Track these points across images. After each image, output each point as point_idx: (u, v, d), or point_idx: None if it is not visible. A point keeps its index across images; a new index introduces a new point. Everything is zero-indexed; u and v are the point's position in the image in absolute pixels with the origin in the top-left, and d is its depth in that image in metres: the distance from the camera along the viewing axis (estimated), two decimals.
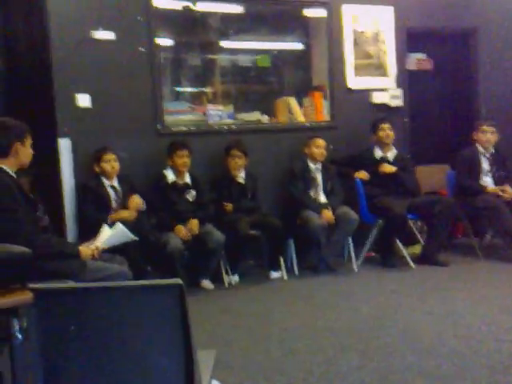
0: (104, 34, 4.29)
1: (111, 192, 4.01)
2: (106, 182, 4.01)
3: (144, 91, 4.45)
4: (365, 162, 4.89)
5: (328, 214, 4.46)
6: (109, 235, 3.25)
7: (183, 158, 4.20)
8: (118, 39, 4.35)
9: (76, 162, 4.22)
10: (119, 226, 3.31)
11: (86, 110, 4.26)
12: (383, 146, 4.87)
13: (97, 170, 4.02)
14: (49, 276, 2.71)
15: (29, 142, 2.83)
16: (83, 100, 4.25)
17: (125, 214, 3.88)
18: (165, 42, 5.01)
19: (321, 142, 4.69)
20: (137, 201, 3.99)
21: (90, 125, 4.28)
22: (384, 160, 4.86)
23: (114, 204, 3.98)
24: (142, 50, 4.44)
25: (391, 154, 4.90)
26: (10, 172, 2.75)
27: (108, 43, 4.31)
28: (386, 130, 4.82)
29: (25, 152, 2.81)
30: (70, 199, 4.18)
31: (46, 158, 4.34)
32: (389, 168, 4.78)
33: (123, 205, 3.98)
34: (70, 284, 2.51)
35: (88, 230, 3.63)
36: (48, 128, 4.25)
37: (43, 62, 4.22)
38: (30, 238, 2.67)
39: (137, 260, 3.54)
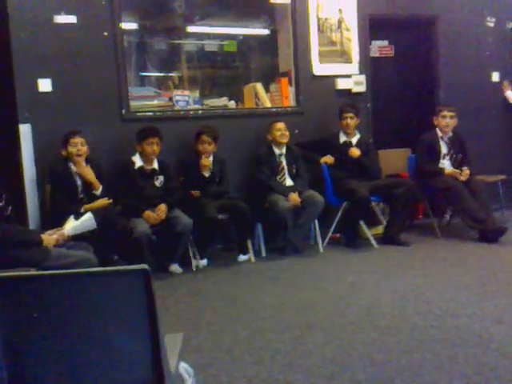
0: (66, 18, 4.22)
1: (78, 179, 3.95)
2: (73, 168, 3.94)
3: (108, 76, 4.41)
4: (330, 146, 4.99)
5: (295, 198, 4.53)
6: (76, 224, 3.27)
7: (153, 146, 4.18)
8: (81, 23, 4.29)
9: (37, 149, 4.16)
10: (89, 215, 3.33)
11: (47, 95, 4.20)
12: (346, 132, 4.98)
13: (64, 153, 3.94)
14: (11, 264, 2.70)
15: None
16: (44, 85, 4.18)
17: (100, 202, 3.86)
18: (129, 26, 4.95)
19: (280, 124, 4.75)
20: (82, 169, 3.93)
21: (51, 110, 4.22)
22: (347, 144, 4.97)
23: (80, 192, 3.93)
24: (106, 34, 4.39)
25: (355, 138, 5.01)
26: None
27: (70, 27, 4.25)
28: (347, 119, 4.92)
29: None
30: (31, 186, 4.12)
31: (7, 144, 4.27)
32: (354, 151, 4.88)
33: (89, 191, 3.94)
34: (32, 272, 2.50)
35: (56, 219, 3.60)
36: (8, 114, 4.16)
37: (3, 47, 4.12)
38: None
39: (103, 247, 3.53)
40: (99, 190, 3.93)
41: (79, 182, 3.95)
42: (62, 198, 3.84)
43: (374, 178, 4.90)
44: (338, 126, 5.02)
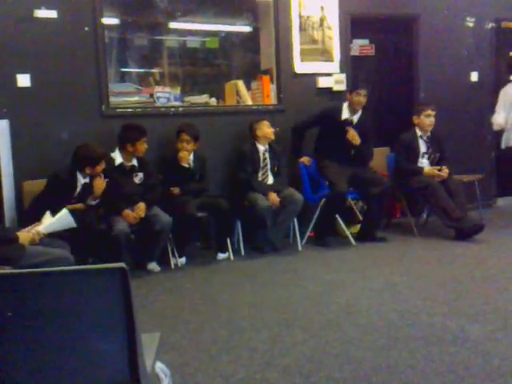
0: (46, 13, 4.17)
1: (79, 189, 3.90)
2: (81, 180, 3.90)
3: (88, 72, 4.37)
4: (329, 121, 4.94)
5: (274, 198, 4.55)
6: (52, 221, 3.23)
7: (145, 144, 4.20)
8: (61, 18, 4.25)
9: (15, 145, 4.12)
10: (65, 211, 3.29)
11: (26, 90, 4.16)
12: (354, 108, 4.94)
13: (88, 171, 3.87)
14: None
15: None
16: (23, 80, 4.13)
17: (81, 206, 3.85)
18: (110, 21, 4.91)
19: (267, 122, 4.79)
20: (99, 183, 3.92)
21: (30, 106, 4.18)
22: (348, 122, 4.92)
23: (72, 197, 3.88)
24: (86, 29, 4.34)
25: (356, 116, 4.96)
26: None
27: (50, 22, 4.20)
28: (361, 96, 4.86)
29: None
30: (8, 183, 4.06)
31: None
32: (355, 138, 4.83)
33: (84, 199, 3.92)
34: (7, 270, 2.47)
35: (34, 214, 3.55)
36: None
37: None
38: None
39: (79, 250, 3.49)
40: (96, 201, 3.93)
41: (78, 189, 3.90)
42: (53, 198, 3.75)
43: (364, 163, 4.96)
44: (346, 99, 4.97)
